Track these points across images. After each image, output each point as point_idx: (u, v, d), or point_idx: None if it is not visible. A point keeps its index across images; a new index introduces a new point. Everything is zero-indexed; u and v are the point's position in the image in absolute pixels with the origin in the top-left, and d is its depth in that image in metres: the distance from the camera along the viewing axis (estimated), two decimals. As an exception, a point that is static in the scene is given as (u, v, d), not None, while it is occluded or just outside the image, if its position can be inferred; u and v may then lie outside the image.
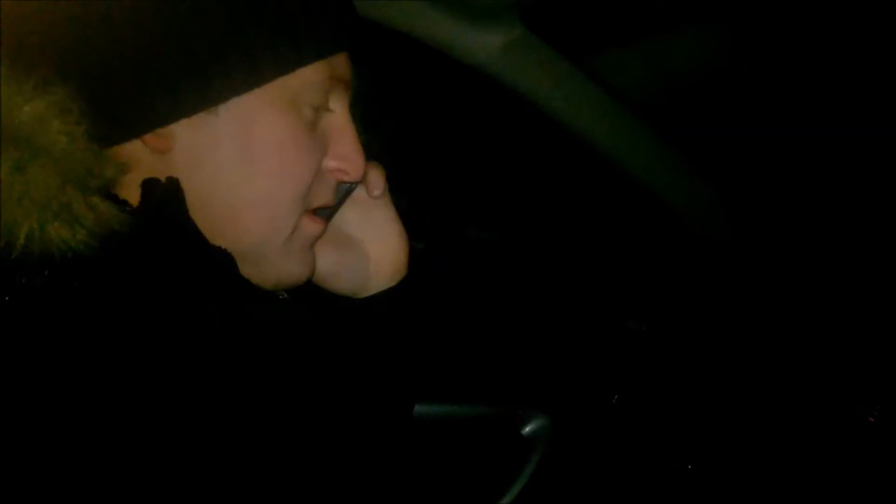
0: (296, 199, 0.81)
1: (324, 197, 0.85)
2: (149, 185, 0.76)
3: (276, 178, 0.80)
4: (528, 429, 1.50)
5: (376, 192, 0.91)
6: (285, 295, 0.87)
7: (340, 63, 0.83)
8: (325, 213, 0.88)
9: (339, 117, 0.85)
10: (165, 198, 0.75)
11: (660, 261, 1.65)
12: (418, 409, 0.94)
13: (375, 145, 0.92)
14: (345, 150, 0.85)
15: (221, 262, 0.77)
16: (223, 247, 0.78)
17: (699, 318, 1.63)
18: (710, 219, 1.59)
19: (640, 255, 1.67)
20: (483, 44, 1.34)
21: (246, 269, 0.81)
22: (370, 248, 0.92)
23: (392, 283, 0.92)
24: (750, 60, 1.62)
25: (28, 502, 0.63)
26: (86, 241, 0.67)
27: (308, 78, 0.80)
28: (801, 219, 1.63)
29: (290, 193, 0.81)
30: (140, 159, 0.77)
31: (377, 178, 0.91)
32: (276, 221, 0.81)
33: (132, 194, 0.76)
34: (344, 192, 0.89)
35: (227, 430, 0.70)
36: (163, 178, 0.76)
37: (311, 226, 0.85)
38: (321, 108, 0.83)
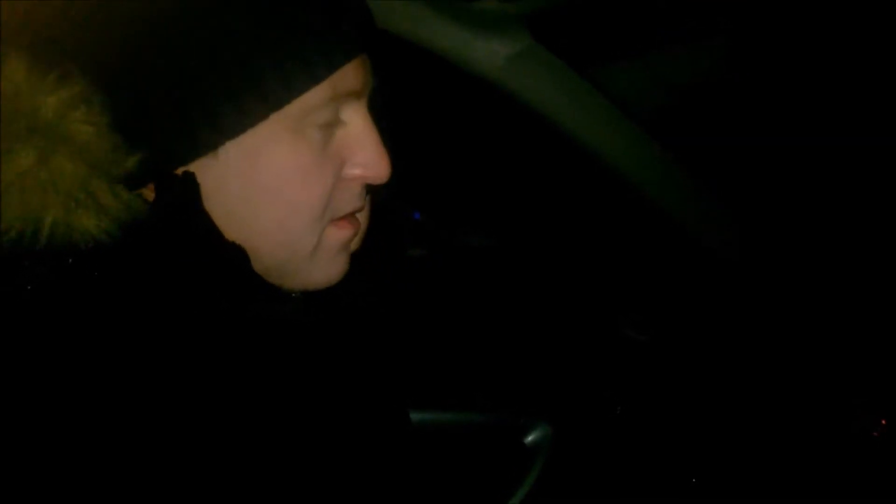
0: (311, 221, 0.80)
1: (351, 204, 0.83)
2: (164, 179, 0.76)
3: (287, 207, 0.79)
4: (530, 438, 1.49)
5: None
6: (298, 294, 0.87)
7: (346, 77, 0.79)
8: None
9: (354, 127, 0.82)
10: (181, 190, 0.75)
11: (663, 270, 1.65)
12: (421, 416, 0.93)
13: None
14: (366, 158, 0.82)
15: (234, 258, 0.77)
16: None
17: (703, 328, 1.63)
18: (714, 230, 1.60)
19: (644, 263, 1.67)
20: (489, 53, 1.35)
21: (272, 279, 0.80)
22: None
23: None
24: (753, 68, 1.63)
25: (33, 495, 0.63)
26: (109, 230, 0.68)
27: (308, 102, 0.77)
28: (803, 227, 1.64)
29: (304, 219, 0.80)
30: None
31: None
32: (294, 245, 0.80)
33: (145, 190, 0.76)
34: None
35: (231, 427, 0.70)
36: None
37: (338, 234, 0.83)
38: (331, 125, 0.80)
